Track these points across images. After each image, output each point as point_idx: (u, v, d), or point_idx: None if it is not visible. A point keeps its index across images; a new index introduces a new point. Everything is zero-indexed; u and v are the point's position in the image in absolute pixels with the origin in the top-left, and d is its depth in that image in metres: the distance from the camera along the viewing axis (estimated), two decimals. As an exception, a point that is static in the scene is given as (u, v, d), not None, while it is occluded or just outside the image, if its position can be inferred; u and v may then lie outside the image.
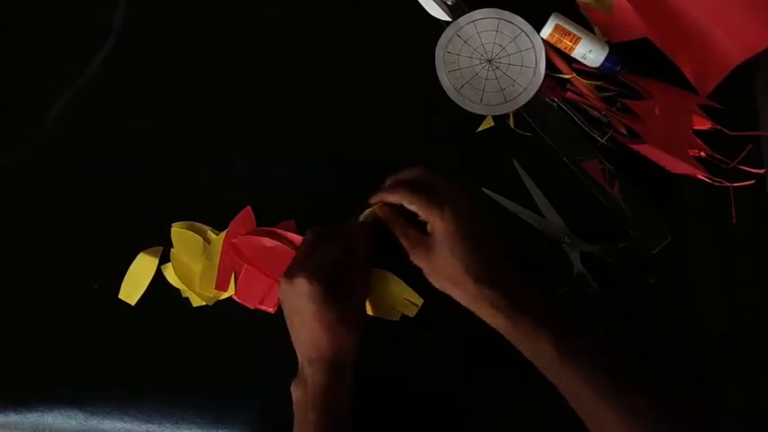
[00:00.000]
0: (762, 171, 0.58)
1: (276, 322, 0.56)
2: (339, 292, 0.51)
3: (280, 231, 0.59)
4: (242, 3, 0.65)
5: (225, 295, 0.59)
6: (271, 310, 0.58)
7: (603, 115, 0.60)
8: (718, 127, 0.59)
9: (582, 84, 0.61)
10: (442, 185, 0.52)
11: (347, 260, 0.54)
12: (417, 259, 0.52)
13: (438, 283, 0.52)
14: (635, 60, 0.60)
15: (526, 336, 0.48)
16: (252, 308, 0.58)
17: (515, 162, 0.60)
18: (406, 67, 0.63)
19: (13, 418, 0.59)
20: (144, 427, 0.58)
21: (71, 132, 0.64)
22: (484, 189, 0.60)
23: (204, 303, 0.59)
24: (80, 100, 0.65)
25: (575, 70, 0.61)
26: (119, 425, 0.59)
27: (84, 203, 0.63)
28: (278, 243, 0.58)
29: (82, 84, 0.65)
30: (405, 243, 0.53)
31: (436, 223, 0.51)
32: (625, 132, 0.59)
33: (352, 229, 0.56)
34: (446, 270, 0.50)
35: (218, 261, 0.59)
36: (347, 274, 0.53)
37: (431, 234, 0.51)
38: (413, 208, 0.52)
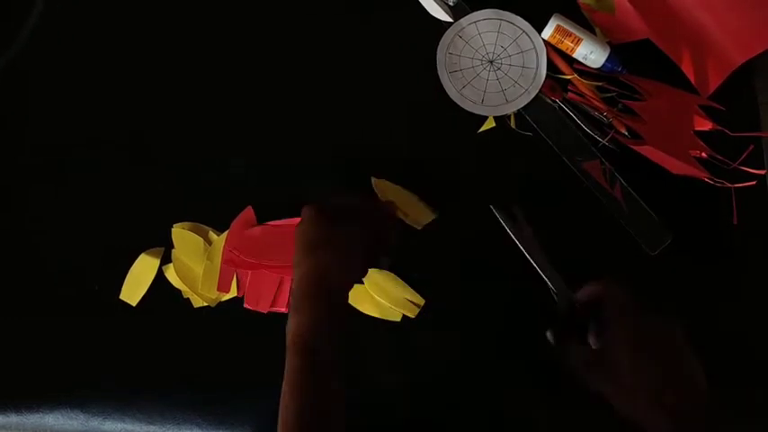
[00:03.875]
0: (763, 172, 0.58)
1: (278, 322, 0.56)
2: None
3: (278, 222, 0.59)
4: (243, 2, 0.65)
5: (227, 296, 0.59)
6: (284, 309, 0.58)
7: (604, 116, 0.60)
8: (720, 128, 0.59)
9: (583, 84, 0.61)
10: None
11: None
12: None
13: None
14: (636, 61, 0.60)
15: None
16: (265, 312, 0.58)
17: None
18: (407, 68, 0.63)
19: (14, 419, 0.59)
20: (145, 428, 0.58)
21: (72, 133, 0.64)
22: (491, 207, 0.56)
23: (205, 304, 0.59)
24: (81, 100, 0.64)
25: (576, 71, 0.61)
26: (120, 426, 0.58)
27: (85, 204, 0.62)
28: (279, 226, 0.58)
29: (82, 84, 0.65)
30: None
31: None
32: (626, 133, 0.60)
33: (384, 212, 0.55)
34: None
35: (219, 262, 0.59)
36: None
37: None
38: None
